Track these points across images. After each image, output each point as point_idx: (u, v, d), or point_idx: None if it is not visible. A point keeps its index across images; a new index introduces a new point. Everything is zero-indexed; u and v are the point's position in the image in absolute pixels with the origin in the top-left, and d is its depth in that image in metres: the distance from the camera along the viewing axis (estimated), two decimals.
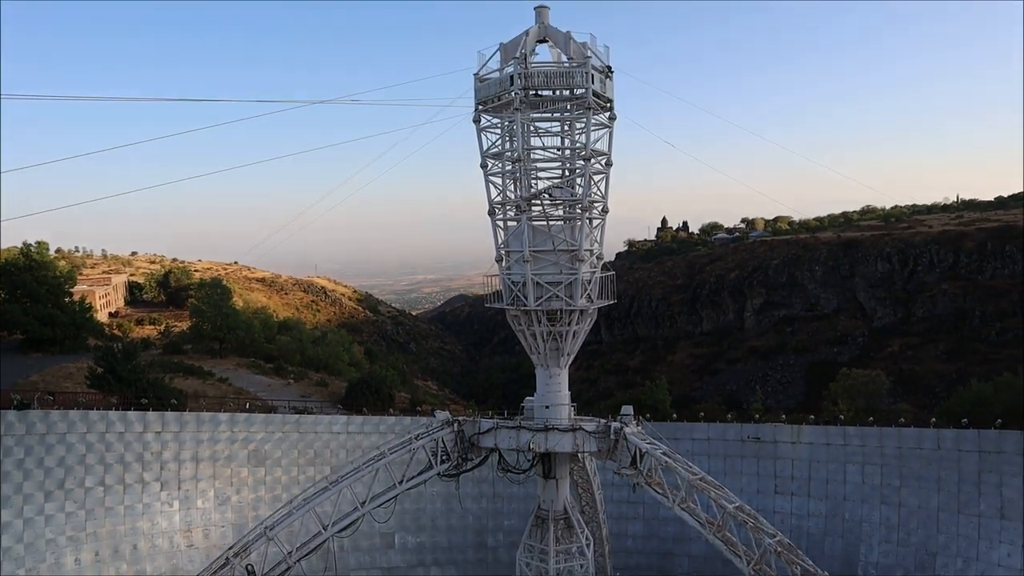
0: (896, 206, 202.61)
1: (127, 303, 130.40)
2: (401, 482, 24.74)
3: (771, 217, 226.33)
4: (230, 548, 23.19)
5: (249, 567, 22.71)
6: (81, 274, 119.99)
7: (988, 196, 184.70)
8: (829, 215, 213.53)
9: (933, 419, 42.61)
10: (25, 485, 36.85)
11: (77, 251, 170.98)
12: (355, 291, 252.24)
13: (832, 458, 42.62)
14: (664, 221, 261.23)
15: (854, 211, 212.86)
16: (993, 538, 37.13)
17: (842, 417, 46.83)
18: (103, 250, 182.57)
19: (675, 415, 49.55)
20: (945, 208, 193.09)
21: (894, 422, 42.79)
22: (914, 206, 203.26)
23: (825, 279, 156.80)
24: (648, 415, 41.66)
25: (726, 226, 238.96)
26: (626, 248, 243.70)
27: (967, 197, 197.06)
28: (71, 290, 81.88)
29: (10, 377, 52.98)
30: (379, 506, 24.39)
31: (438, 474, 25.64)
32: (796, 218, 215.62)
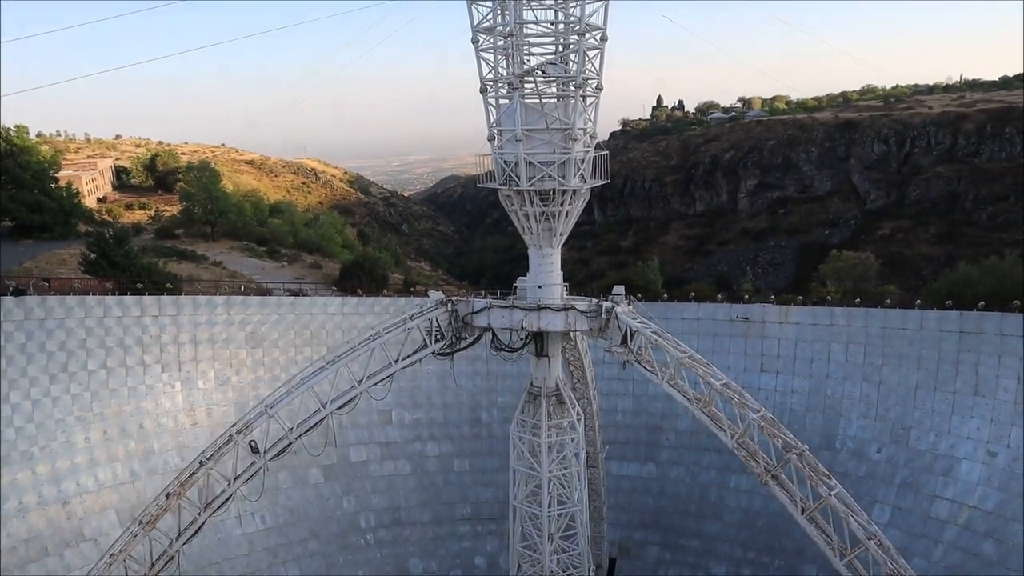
0: (897, 86, 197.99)
1: (114, 188, 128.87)
2: (396, 361, 25.24)
3: (769, 96, 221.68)
4: (233, 426, 23.94)
5: (252, 443, 23.53)
6: (65, 159, 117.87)
7: (993, 76, 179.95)
8: (828, 94, 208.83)
9: (918, 300, 43.34)
10: (29, 368, 37.62)
11: (59, 135, 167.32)
12: (346, 172, 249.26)
13: (818, 337, 43.64)
14: (659, 100, 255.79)
15: (853, 91, 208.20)
16: (965, 413, 38.63)
17: (830, 298, 47.60)
18: (86, 134, 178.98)
19: (666, 295, 50.27)
20: (947, 88, 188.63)
21: (880, 303, 43.56)
22: (915, 86, 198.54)
23: (820, 160, 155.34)
24: (639, 295, 42.21)
25: (723, 105, 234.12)
26: (620, 127, 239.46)
27: (971, 77, 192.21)
28: (56, 176, 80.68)
29: (3, 264, 53.03)
30: (375, 384, 25.00)
31: (433, 353, 26.14)
32: (794, 97, 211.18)
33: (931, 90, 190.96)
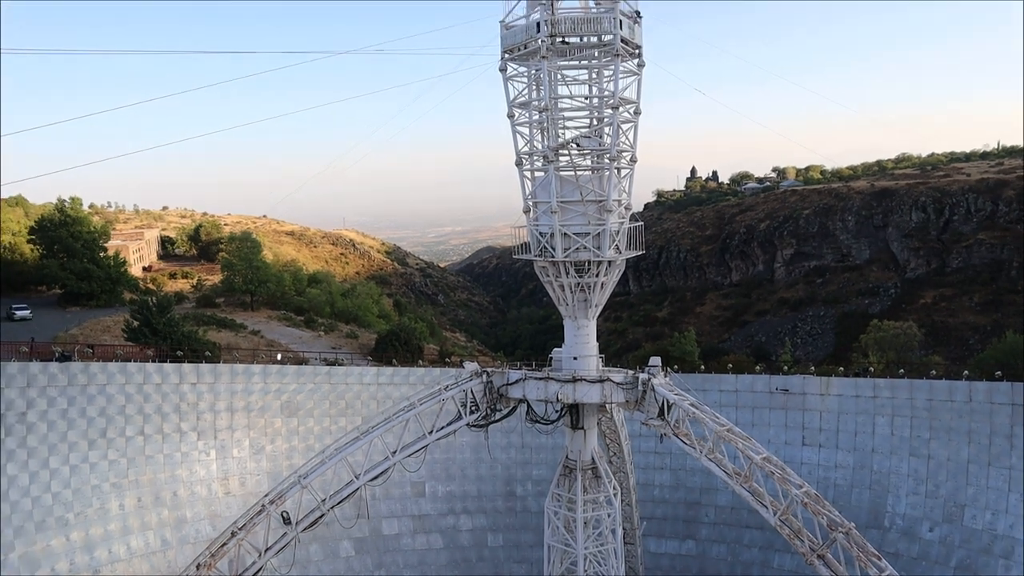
0: (933, 154, 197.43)
1: (160, 257, 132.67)
2: (431, 432, 25.09)
3: (803, 166, 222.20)
4: (266, 496, 23.82)
5: (284, 514, 23.34)
6: (114, 229, 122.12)
7: None
8: (863, 163, 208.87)
9: (966, 371, 42.10)
10: (69, 434, 38.09)
11: (110, 206, 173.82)
12: (383, 243, 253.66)
13: (861, 410, 42.39)
14: (693, 171, 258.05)
15: (888, 159, 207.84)
16: None
17: (872, 369, 46.48)
18: (135, 205, 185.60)
19: (703, 366, 49.54)
20: (984, 155, 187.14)
21: (925, 374, 42.39)
22: (952, 154, 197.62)
23: (857, 229, 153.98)
24: (676, 366, 41.71)
25: (756, 175, 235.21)
26: (655, 198, 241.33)
27: (1009, 144, 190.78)
28: (105, 245, 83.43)
29: (51, 330, 54.47)
30: (409, 456, 24.81)
31: (467, 424, 25.94)
32: (829, 167, 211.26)
33: (968, 157, 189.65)
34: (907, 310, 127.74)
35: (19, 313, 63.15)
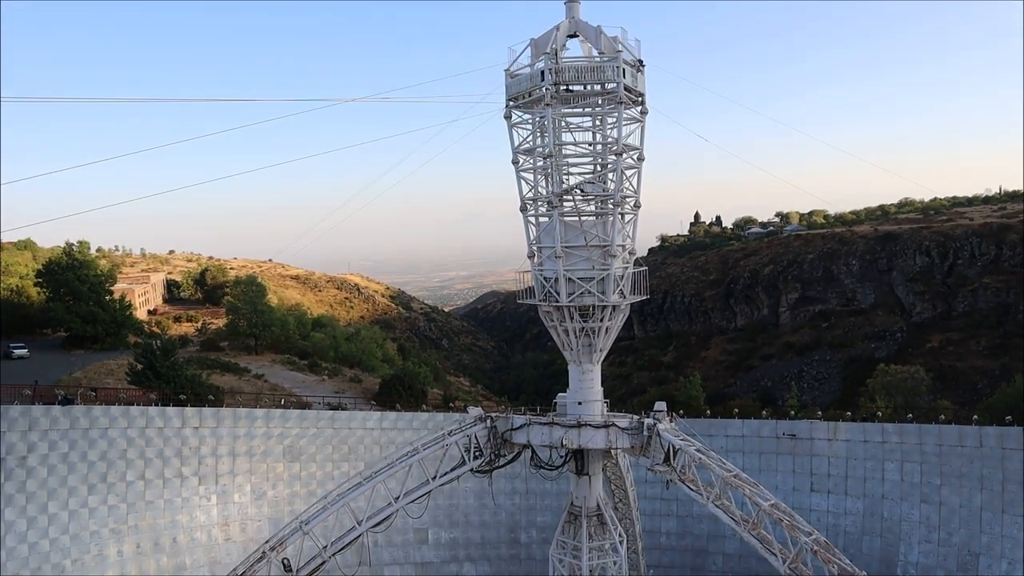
0: (936, 198, 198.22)
1: (165, 301, 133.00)
2: (434, 478, 24.84)
3: (806, 211, 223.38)
4: (266, 542, 23.51)
5: (285, 561, 22.99)
6: (121, 272, 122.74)
7: None
8: (866, 208, 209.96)
9: (975, 416, 41.65)
10: (69, 478, 37.76)
11: (117, 250, 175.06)
12: (388, 288, 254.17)
13: (870, 455, 41.89)
14: (697, 216, 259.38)
15: (891, 204, 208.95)
16: None
17: (880, 414, 46.07)
18: (142, 249, 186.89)
19: (709, 411, 49.16)
20: (987, 200, 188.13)
21: (934, 419, 41.96)
22: (954, 198, 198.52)
23: (862, 273, 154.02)
24: (682, 411, 41.36)
25: (760, 220, 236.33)
26: (659, 243, 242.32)
27: (1011, 188, 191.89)
28: (111, 288, 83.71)
29: (55, 373, 54.38)
30: (412, 502, 24.53)
31: (471, 470, 25.70)
32: (832, 211, 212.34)
33: (970, 202, 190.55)
34: (914, 354, 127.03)
35: (17, 352, 64.17)
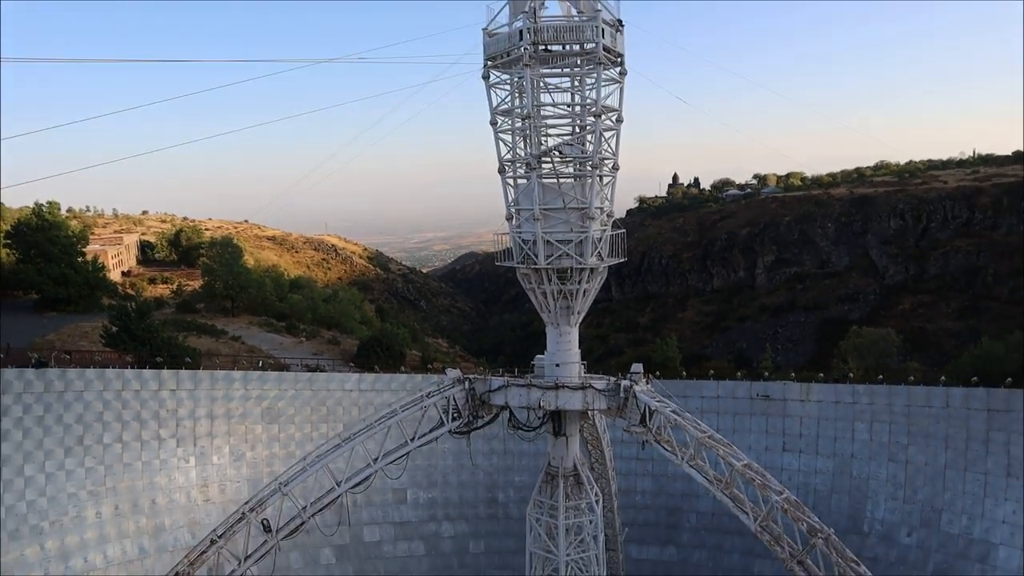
0: (911, 161, 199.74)
1: (139, 262, 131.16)
2: (413, 439, 25.00)
3: (783, 173, 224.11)
4: (246, 503, 23.62)
5: (265, 521, 23.15)
6: (93, 233, 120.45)
7: (1007, 150, 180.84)
8: (842, 171, 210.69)
9: (943, 377, 42.63)
10: (45, 441, 37.58)
11: (88, 211, 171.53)
12: (365, 249, 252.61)
13: (841, 416, 42.82)
14: (675, 177, 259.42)
15: (867, 167, 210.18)
16: (999, 495, 37.40)
17: (851, 375, 46.96)
18: (114, 209, 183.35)
19: (685, 373, 49.80)
20: (961, 163, 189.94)
21: (904, 380, 42.87)
22: (929, 161, 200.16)
23: (837, 236, 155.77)
24: (658, 373, 41.86)
25: (738, 182, 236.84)
26: (637, 205, 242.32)
27: (984, 152, 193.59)
28: (83, 250, 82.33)
29: (27, 336, 53.69)
30: (391, 463, 24.71)
31: (449, 431, 25.89)
32: (809, 174, 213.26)
33: (944, 165, 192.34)
34: (886, 316, 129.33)
35: None
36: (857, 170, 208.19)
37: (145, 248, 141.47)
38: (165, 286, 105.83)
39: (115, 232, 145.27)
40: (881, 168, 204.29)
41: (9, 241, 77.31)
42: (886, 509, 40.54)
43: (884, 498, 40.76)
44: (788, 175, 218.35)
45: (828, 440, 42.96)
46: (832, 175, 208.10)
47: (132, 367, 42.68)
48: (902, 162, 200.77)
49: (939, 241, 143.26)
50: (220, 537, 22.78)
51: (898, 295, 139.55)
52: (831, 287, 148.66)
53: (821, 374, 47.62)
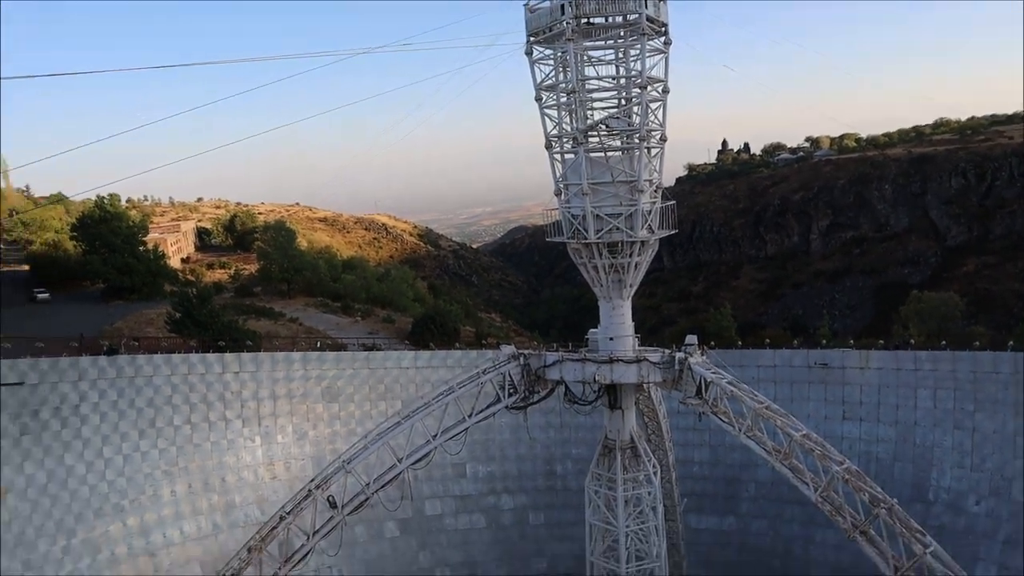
0: (972, 117, 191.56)
1: (197, 248, 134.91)
2: (470, 415, 25.44)
3: (837, 135, 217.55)
4: (312, 480, 24.44)
5: (330, 498, 23.94)
6: (152, 222, 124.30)
7: None
8: (899, 130, 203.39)
9: (1011, 342, 41.30)
10: (120, 424, 39.25)
11: (146, 200, 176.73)
12: (415, 226, 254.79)
13: (903, 383, 41.89)
14: (724, 143, 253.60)
15: (926, 125, 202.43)
16: None
17: (913, 341, 45.86)
18: (170, 198, 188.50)
19: (740, 342, 49.31)
20: None
21: (968, 345, 41.66)
22: (993, 116, 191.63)
23: (895, 198, 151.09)
24: (713, 343, 41.57)
25: (789, 146, 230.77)
26: (686, 172, 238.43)
27: None
28: (144, 239, 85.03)
29: (97, 325, 55.98)
30: (450, 439, 25.21)
31: (506, 407, 26.26)
32: (864, 135, 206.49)
33: (1010, 120, 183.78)
34: (948, 279, 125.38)
35: (40, 296, 71.13)
36: (915, 129, 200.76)
37: (202, 234, 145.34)
38: (223, 271, 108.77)
39: (172, 220, 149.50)
40: (941, 126, 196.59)
41: (75, 234, 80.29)
42: (952, 477, 39.67)
43: (950, 466, 39.87)
44: (842, 137, 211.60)
45: (889, 408, 42.13)
46: (888, 135, 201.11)
47: (196, 351, 44.15)
48: (963, 119, 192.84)
49: (1005, 200, 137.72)
50: (289, 514, 23.68)
51: (961, 257, 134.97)
52: (889, 250, 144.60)
53: (881, 340, 46.63)
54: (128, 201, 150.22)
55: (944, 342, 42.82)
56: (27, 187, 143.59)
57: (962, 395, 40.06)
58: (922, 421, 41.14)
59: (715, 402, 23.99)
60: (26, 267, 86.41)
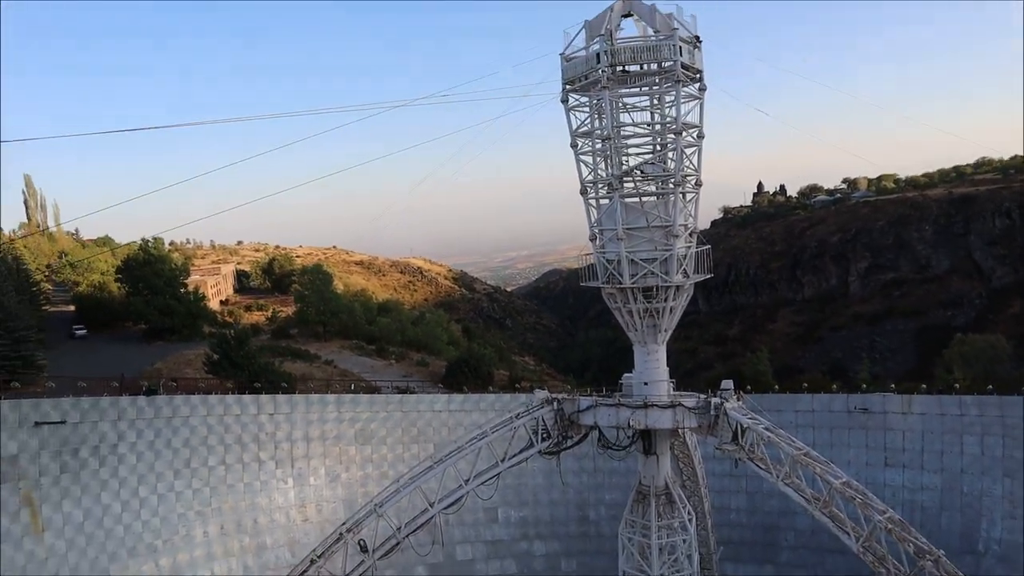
0: (1016, 156, 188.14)
1: (236, 291, 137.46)
2: (503, 460, 25.29)
3: (875, 176, 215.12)
4: (343, 524, 24.39)
5: (361, 542, 23.83)
6: (193, 265, 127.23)
7: None
8: (939, 170, 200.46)
9: None
10: (156, 464, 39.71)
11: (188, 243, 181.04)
12: (450, 270, 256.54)
13: (948, 428, 40.70)
14: (760, 186, 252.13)
15: (967, 164, 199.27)
16: None
17: (958, 385, 44.63)
18: (211, 241, 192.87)
19: (777, 386, 48.42)
20: None
21: (1017, 390, 40.40)
22: None
23: (936, 239, 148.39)
24: (749, 387, 40.88)
25: (826, 187, 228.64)
26: (721, 215, 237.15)
27: None
28: (185, 281, 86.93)
29: (137, 365, 57.04)
30: (482, 484, 25.04)
31: (539, 452, 26.05)
32: (902, 175, 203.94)
33: None
34: (994, 321, 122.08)
35: (78, 332, 74.74)
36: (956, 168, 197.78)
37: (241, 277, 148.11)
38: (260, 313, 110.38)
39: (213, 263, 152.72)
40: (983, 165, 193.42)
41: (119, 276, 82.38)
42: (1004, 528, 38.19)
43: (1001, 516, 38.43)
44: (880, 178, 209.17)
45: (934, 455, 40.89)
46: (928, 175, 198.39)
47: (233, 392, 44.67)
48: (1005, 158, 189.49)
49: None
50: (320, 557, 23.61)
51: (1007, 298, 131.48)
52: (931, 292, 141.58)
53: (924, 385, 45.42)
54: (171, 244, 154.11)
55: (991, 386, 41.58)
56: (76, 230, 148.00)
57: (1011, 442, 38.76)
58: (969, 468, 39.82)
59: (752, 448, 23.55)
60: (72, 308, 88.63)
